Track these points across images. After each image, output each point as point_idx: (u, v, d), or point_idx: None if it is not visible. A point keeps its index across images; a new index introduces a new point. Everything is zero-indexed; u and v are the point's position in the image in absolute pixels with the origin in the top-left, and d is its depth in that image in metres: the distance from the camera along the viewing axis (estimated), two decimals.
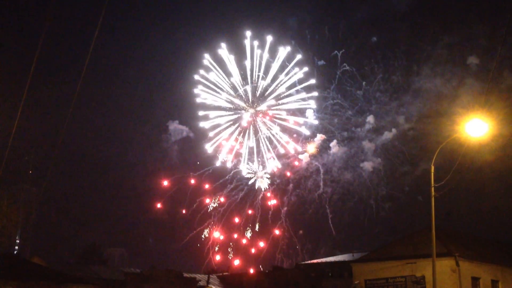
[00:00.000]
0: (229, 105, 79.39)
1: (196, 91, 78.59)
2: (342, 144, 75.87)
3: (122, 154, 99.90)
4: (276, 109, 79.22)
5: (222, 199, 78.08)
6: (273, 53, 78.91)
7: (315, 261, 65.91)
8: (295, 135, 77.98)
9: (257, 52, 78.70)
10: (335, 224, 73.27)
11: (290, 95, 78.33)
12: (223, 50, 79.52)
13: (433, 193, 21.76)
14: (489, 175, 51.45)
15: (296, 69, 77.48)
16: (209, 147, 79.35)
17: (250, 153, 79.68)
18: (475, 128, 20.24)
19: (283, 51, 78.64)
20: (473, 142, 21.50)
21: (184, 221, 77.15)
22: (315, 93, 77.66)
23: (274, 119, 79.37)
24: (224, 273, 63.78)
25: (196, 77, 78.90)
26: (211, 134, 79.17)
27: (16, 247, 44.37)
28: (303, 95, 77.74)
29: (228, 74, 78.88)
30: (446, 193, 21.82)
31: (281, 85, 78.72)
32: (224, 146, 79.30)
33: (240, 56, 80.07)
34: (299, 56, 77.59)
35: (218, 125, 79.58)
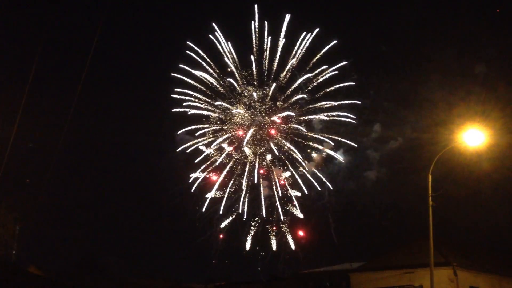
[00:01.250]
0: (221, 117, 61.78)
1: (173, 96, 59.95)
2: (347, 153, 72.04)
3: (126, 163, 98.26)
4: (297, 123, 62.51)
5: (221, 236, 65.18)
6: (292, 39, 59.85)
7: (313, 270, 65.61)
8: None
9: (268, 39, 59.47)
10: (337, 233, 72.33)
11: (314, 101, 61.76)
12: (216, 34, 59.50)
13: (430, 203, 21.80)
14: (486, 184, 51.48)
15: (326, 65, 59.69)
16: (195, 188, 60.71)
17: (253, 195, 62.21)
18: (472, 137, 20.40)
19: (308, 37, 58.93)
20: (470, 151, 21.68)
21: (187, 229, 74.29)
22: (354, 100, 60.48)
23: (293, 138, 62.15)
24: (222, 283, 63.50)
25: (175, 74, 60.48)
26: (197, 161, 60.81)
27: (13, 257, 44.17)
28: (330, 102, 60.16)
29: (223, 70, 61.02)
30: (444, 202, 21.90)
31: (303, 86, 61.06)
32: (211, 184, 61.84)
33: (241, 44, 61.06)
34: (332, 44, 58.61)
35: (202, 150, 61.32)
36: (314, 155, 63.10)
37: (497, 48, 60.94)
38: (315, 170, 63.43)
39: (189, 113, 60.22)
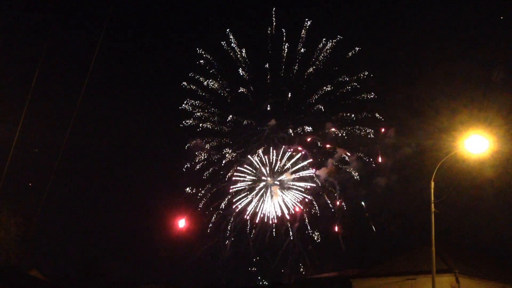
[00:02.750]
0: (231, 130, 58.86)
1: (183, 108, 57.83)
2: (359, 160, 70.57)
3: (131, 169, 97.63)
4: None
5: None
6: (311, 46, 56.25)
7: (315, 276, 65.44)
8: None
9: (285, 46, 55.95)
10: (345, 239, 71.91)
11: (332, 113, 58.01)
12: (230, 41, 56.28)
13: (433, 210, 21.77)
14: (489, 191, 51.32)
15: (344, 75, 56.81)
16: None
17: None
18: (475, 144, 20.39)
19: (328, 45, 55.71)
20: (473, 158, 21.67)
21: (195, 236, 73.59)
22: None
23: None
24: None
25: (185, 84, 57.68)
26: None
27: (15, 260, 44.11)
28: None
29: (236, 79, 56.72)
30: (447, 210, 21.86)
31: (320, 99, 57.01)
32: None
33: (256, 51, 57.54)
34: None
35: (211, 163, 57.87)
36: (326, 167, 61.90)
37: (501, 55, 60.93)
38: (328, 178, 62.43)
39: (200, 126, 58.22)
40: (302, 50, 57.66)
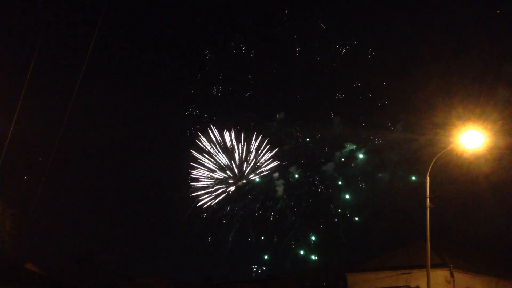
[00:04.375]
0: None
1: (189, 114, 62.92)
2: (366, 155, 70.67)
3: (127, 162, 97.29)
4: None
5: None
6: (323, 49, 58.97)
7: (311, 270, 65.80)
8: None
9: (297, 49, 59.02)
10: (346, 234, 72.27)
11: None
12: (240, 43, 58.17)
13: (428, 204, 21.80)
14: (484, 186, 51.53)
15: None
16: None
17: None
18: (471, 139, 20.42)
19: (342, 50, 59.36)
20: (469, 153, 21.73)
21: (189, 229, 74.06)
22: None
23: None
24: (219, 282, 63.43)
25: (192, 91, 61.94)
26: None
27: (10, 253, 44.00)
28: None
29: (246, 81, 59.29)
30: (442, 204, 21.92)
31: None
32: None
33: (266, 54, 60.54)
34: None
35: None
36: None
37: (496, 50, 61.03)
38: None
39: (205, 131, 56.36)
40: (315, 53, 59.97)
